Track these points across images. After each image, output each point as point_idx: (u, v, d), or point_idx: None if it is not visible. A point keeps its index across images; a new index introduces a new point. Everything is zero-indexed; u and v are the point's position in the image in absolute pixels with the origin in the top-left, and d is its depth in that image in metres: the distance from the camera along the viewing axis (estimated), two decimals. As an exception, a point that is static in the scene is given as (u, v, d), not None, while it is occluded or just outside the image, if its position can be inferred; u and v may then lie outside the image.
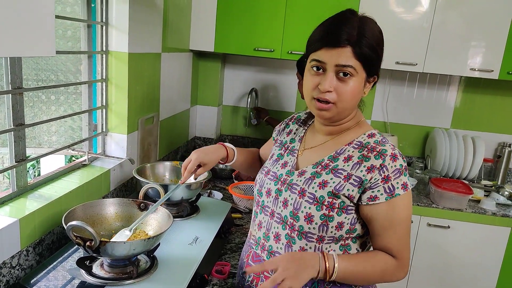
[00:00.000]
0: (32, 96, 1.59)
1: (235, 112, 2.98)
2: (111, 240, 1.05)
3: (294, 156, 1.14)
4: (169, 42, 2.18)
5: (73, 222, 1.00)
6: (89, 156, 1.68)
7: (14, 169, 1.28)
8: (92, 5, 1.66)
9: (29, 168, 3.43)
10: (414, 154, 2.88)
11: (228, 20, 2.44)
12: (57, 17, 1.51)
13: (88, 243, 1.01)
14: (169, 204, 1.56)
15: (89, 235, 1.01)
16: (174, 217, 1.51)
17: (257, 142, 2.97)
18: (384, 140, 1.04)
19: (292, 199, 1.05)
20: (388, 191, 0.98)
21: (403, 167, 1.00)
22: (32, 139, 1.68)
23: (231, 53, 2.54)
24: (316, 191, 1.02)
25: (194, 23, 2.47)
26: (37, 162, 3.31)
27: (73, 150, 1.69)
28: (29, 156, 1.35)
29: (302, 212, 1.02)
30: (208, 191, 1.98)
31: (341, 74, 0.97)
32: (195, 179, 1.29)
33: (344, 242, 1.04)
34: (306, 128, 1.20)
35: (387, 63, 2.42)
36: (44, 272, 1.14)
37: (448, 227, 2.34)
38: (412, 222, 2.33)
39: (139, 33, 1.77)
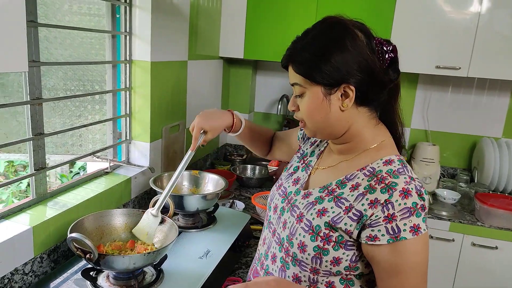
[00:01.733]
0: (61, 105, 1.64)
1: (266, 119, 2.94)
2: (108, 254, 1.04)
3: (307, 174, 1.06)
4: (197, 50, 2.18)
5: (73, 234, 1.00)
6: (111, 164, 1.71)
7: (34, 177, 1.32)
8: (117, 16, 1.69)
9: (76, 173, 3.61)
10: (459, 165, 2.68)
11: (258, 26, 2.41)
12: (83, 29, 1.56)
13: (87, 256, 1.00)
14: (185, 214, 1.54)
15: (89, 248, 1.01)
16: (188, 228, 1.51)
17: (290, 149, 2.90)
18: (401, 171, 0.88)
19: (290, 222, 0.97)
20: (391, 232, 0.83)
21: (418, 207, 0.84)
22: (79, 147, 1.75)
23: (260, 59, 2.50)
24: (313, 219, 0.93)
25: (224, 30, 2.47)
26: (83, 169, 3.47)
27: (97, 157, 1.73)
28: (47, 164, 1.39)
29: (296, 239, 0.94)
30: (231, 200, 1.94)
31: (296, 93, 0.96)
32: (203, 146, 1.22)
33: (346, 276, 0.93)
34: (327, 142, 1.10)
35: (425, 67, 2.29)
36: (51, 282, 1.15)
37: (496, 247, 2.12)
38: (453, 239, 2.16)
39: (162, 42, 1.78)
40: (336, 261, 0.90)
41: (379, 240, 0.84)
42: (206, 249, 1.37)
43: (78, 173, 3.61)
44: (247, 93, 2.79)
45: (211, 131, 1.20)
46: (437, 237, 2.17)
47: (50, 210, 1.30)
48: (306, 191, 1.00)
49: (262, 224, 1.83)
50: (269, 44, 2.41)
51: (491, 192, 2.37)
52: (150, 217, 1.19)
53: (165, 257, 1.20)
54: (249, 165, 2.53)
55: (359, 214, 0.87)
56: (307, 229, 0.93)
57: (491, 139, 2.48)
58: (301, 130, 1.23)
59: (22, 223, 1.19)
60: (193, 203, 1.48)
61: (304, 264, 0.94)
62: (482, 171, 2.47)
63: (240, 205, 1.91)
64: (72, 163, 2.63)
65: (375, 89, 0.91)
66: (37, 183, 1.33)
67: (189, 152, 1.21)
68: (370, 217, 0.85)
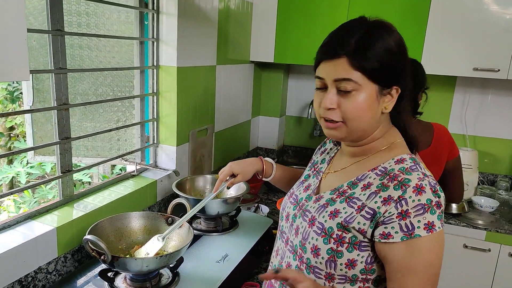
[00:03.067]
0: (92, 110, 1.71)
1: (298, 123, 2.91)
2: (120, 256, 1.07)
3: (318, 179, 1.05)
4: (227, 54, 2.20)
5: (88, 236, 1.04)
6: (138, 167, 1.75)
7: (60, 179, 1.38)
8: (145, 23, 1.74)
9: (120, 171, 3.74)
10: (500, 172, 2.52)
11: (288, 30, 2.40)
12: (112, 36, 1.61)
13: (102, 257, 1.03)
14: (206, 218, 1.56)
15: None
16: (210, 232, 1.51)
17: (321, 154, 2.86)
18: (413, 168, 0.87)
19: (302, 227, 0.96)
20: (405, 229, 0.82)
21: (432, 203, 0.82)
22: (109, 150, 1.82)
23: (291, 63, 2.48)
24: (325, 221, 0.91)
25: (254, 34, 2.47)
26: (124, 169, 3.59)
27: (125, 160, 1.78)
28: (79, 165, 1.45)
29: (309, 243, 0.92)
30: (256, 204, 1.94)
31: (342, 89, 0.87)
32: (228, 188, 1.27)
33: (363, 284, 0.90)
34: (338, 147, 1.09)
35: (463, 70, 2.18)
36: (74, 281, 1.20)
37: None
38: (489, 249, 2.04)
39: (189, 47, 1.81)
40: (351, 264, 0.88)
41: (393, 238, 0.83)
42: (224, 253, 1.37)
43: (120, 173, 3.74)
44: (278, 97, 2.78)
45: (242, 174, 1.23)
46: (472, 247, 2.06)
47: (76, 212, 1.35)
48: (317, 195, 0.99)
49: (286, 229, 1.82)
50: (300, 47, 2.39)
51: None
52: (155, 241, 1.19)
53: (181, 260, 1.21)
54: (277, 169, 2.51)
55: (372, 212, 0.86)
56: (319, 232, 0.91)
57: (536, 145, 2.32)
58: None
59: (47, 224, 1.24)
60: (214, 207, 1.49)
61: (318, 269, 0.92)
62: (526, 179, 2.31)
63: (265, 209, 1.90)
64: (112, 165, 2.73)
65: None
66: (64, 185, 1.39)
67: (211, 194, 1.25)
68: (383, 214, 0.84)
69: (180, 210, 1.50)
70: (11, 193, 1.21)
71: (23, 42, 0.67)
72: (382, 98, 0.89)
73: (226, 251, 1.39)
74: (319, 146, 1.19)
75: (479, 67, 2.11)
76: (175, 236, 1.25)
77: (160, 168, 1.82)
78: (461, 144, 2.54)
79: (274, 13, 2.40)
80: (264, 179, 1.29)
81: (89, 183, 3.71)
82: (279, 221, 1.10)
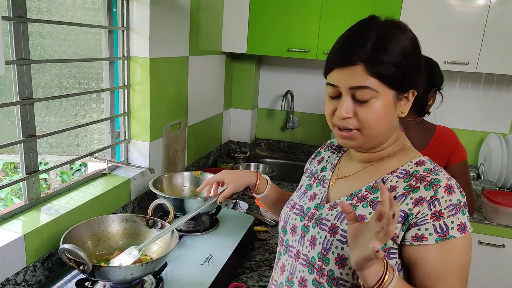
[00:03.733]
0: (56, 104, 1.57)
1: (271, 115, 2.87)
2: (103, 265, 0.98)
3: (325, 187, 0.98)
4: (198, 45, 2.11)
5: (65, 245, 0.94)
6: (110, 165, 1.65)
7: (25, 181, 1.26)
8: (114, 10, 1.62)
9: (77, 169, 3.55)
10: (466, 162, 2.61)
11: (261, 21, 2.33)
12: (78, 24, 1.49)
13: (81, 267, 0.94)
14: (186, 217, 1.48)
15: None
16: (190, 232, 1.45)
17: (294, 146, 2.84)
18: (437, 168, 0.85)
19: (321, 237, 0.89)
20: (439, 230, 0.79)
21: (462, 203, 0.80)
22: (76, 147, 1.68)
23: (264, 54, 2.43)
24: None
25: (226, 24, 2.39)
26: (84, 165, 3.41)
27: (95, 158, 1.66)
28: (46, 163, 1.33)
29: (333, 253, 0.86)
30: (234, 201, 1.88)
31: (358, 98, 0.82)
32: (220, 202, 1.18)
33: None
34: (340, 155, 1.04)
35: (434, 62, 2.21)
36: (46, 291, 1.10)
37: (503, 246, 2.08)
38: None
39: (161, 37, 1.71)
40: None
41: (427, 240, 0.80)
42: (208, 254, 1.31)
43: (79, 169, 3.55)
44: (250, 89, 2.72)
45: (232, 185, 1.14)
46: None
47: (44, 216, 1.24)
48: (330, 203, 0.93)
49: (266, 225, 1.77)
50: (273, 38, 2.33)
51: (498, 189, 2.32)
52: (132, 251, 1.10)
53: (165, 264, 1.14)
54: (252, 163, 2.46)
55: (403, 215, 0.82)
56: (344, 240, 0.85)
57: (499, 135, 2.42)
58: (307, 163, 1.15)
59: (13, 231, 1.12)
60: (194, 207, 1.42)
61: (343, 281, 0.85)
62: (489, 168, 2.41)
63: (243, 205, 1.85)
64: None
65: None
66: (29, 187, 1.27)
67: (208, 201, 1.20)
68: (416, 215, 0.81)
69: (159, 210, 1.42)
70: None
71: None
72: (399, 103, 0.85)
73: (210, 252, 1.33)
74: (312, 156, 1.13)
75: (449, 60, 2.15)
76: (158, 240, 1.18)
77: (133, 166, 1.72)
78: (430, 135, 2.59)
79: (246, 2, 2.33)
80: (254, 195, 1.19)
81: (45, 179, 3.49)
82: (281, 235, 1.01)
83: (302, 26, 2.26)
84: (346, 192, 0.92)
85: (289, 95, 2.68)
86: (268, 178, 1.19)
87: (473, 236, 2.04)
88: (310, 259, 0.90)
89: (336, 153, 1.05)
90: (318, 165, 1.07)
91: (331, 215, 0.90)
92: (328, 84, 0.86)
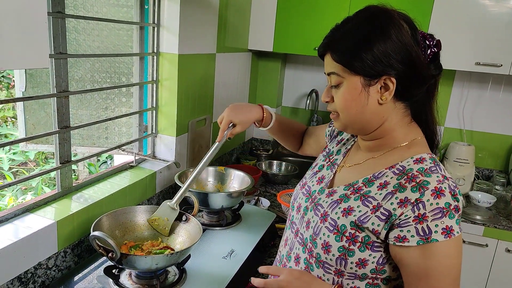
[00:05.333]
0: (88, 97, 1.63)
1: (294, 114, 2.87)
2: (130, 254, 1.02)
3: (332, 172, 1.02)
4: (226, 42, 2.13)
5: (95, 233, 0.98)
6: (137, 158, 1.69)
7: (59, 170, 1.31)
8: (146, 7, 1.66)
9: (103, 162, 3.66)
10: (495, 167, 2.54)
11: (288, 19, 2.34)
12: (111, 20, 1.54)
13: (110, 255, 0.98)
14: (209, 212, 1.51)
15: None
16: (213, 226, 1.47)
17: (317, 145, 2.83)
18: (433, 169, 0.83)
19: (313, 221, 0.93)
20: (421, 233, 0.79)
21: (451, 207, 0.79)
22: (105, 140, 1.74)
23: (290, 52, 2.44)
24: (338, 218, 0.88)
25: (253, 22, 2.41)
26: (110, 158, 3.51)
27: (123, 151, 1.71)
28: (75, 155, 1.38)
29: (320, 239, 0.90)
30: (256, 197, 1.90)
31: (333, 83, 0.90)
32: (230, 139, 1.22)
33: (372, 281, 0.88)
34: (354, 140, 1.06)
35: (464, 64, 2.17)
36: (76, 277, 1.15)
37: (532, 254, 2.03)
38: (487, 246, 2.06)
39: (190, 34, 1.74)
40: (362, 263, 0.86)
41: (408, 241, 0.80)
42: (230, 249, 1.33)
43: (106, 161, 3.66)
44: (275, 86, 2.73)
45: (240, 124, 1.19)
46: (469, 242, 2.07)
47: (75, 204, 1.29)
48: (330, 189, 0.96)
49: (287, 223, 1.79)
50: (300, 37, 2.34)
51: (530, 196, 2.25)
52: (167, 208, 1.16)
53: (189, 256, 1.17)
54: (275, 161, 2.47)
55: (387, 214, 0.83)
56: (331, 228, 0.89)
57: (532, 141, 2.34)
58: (329, 127, 1.20)
59: (46, 217, 1.18)
60: (218, 201, 1.45)
61: (328, 265, 0.90)
62: (520, 174, 2.34)
63: (265, 202, 1.87)
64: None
65: (415, 83, 0.86)
66: (63, 176, 1.32)
67: (215, 144, 1.20)
68: (399, 216, 0.81)
69: (183, 203, 1.45)
70: (9, 185, 1.14)
71: (43, 26, 0.61)
72: (370, 89, 0.85)
73: (232, 247, 1.35)
74: (335, 134, 1.15)
75: (481, 61, 2.10)
76: (182, 232, 1.21)
77: (159, 159, 1.76)
78: (458, 138, 2.55)
79: (274, 1, 2.34)
80: (261, 128, 1.26)
81: (74, 170, 3.61)
82: (290, 210, 1.08)
83: (329, 24, 2.22)
84: (346, 181, 0.95)
85: (313, 94, 2.68)
86: (274, 111, 1.26)
87: (501, 244, 2.02)
88: (304, 239, 0.95)
89: (353, 137, 1.07)
90: (336, 146, 1.10)
91: (326, 202, 0.93)
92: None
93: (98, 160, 3.67)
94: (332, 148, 1.10)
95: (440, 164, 0.87)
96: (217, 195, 1.44)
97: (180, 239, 1.21)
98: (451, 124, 2.55)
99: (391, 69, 0.83)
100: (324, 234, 0.89)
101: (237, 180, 1.63)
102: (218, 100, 2.15)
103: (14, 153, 3.43)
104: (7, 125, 3.55)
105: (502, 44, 2.06)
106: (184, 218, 1.24)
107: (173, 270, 1.18)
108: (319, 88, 2.72)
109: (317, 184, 1.02)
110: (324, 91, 0.93)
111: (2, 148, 3.21)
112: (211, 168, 1.66)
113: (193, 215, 1.24)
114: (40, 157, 3.60)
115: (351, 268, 0.87)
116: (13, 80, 3.15)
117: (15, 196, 3.16)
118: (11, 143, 1.13)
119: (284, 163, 2.46)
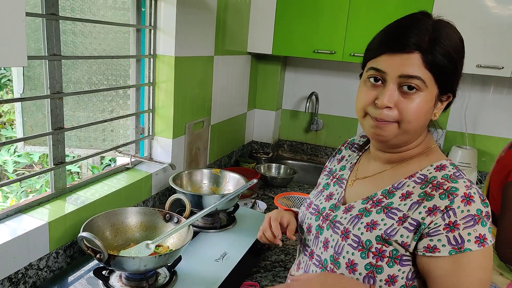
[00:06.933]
0: (85, 99, 1.64)
1: (295, 117, 2.86)
2: (118, 255, 1.01)
3: (342, 188, 0.96)
4: (224, 45, 2.14)
5: (83, 234, 0.98)
6: (133, 160, 1.69)
7: (53, 171, 1.31)
8: (142, 9, 1.67)
9: (107, 164, 3.68)
10: (497, 170, 2.51)
11: (287, 21, 2.34)
12: (108, 23, 1.54)
13: (98, 256, 0.98)
14: (204, 214, 1.51)
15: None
16: (207, 228, 1.47)
17: (317, 148, 2.82)
18: (458, 175, 0.81)
19: (333, 240, 0.89)
20: (453, 242, 0.75)
21: (483, 214, 0.75)
22: (102, 141, 1.75)
23: (289, 55, 2.43)
24: (362, 234, 0.84)
25: (252, 25, 2.41)
26: (114, 160, 3.53)
27: (119, 152, 1.72)
28: (73, 156, 1.38)
29: (344, 257, 0.85)
30: (253, 200, 1.89)
31: (405, 88, 0.78)
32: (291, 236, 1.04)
33: None
34: (360, 154, 1.02)
35: (466, 66, 2.13)
36: (65, 278, 1.14)
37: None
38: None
39: (187, 36, 1.74)
40: (392, 280, 0.81)
41: (439, 251, 0.76)
42: (223, 251, 1.33)
43: (109, 164, 3.67)
44: (274, 89, 2.73)
45: (291, 220, 1.04)
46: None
47: (68, 206, 1.29)
48: (346, 205, 0.92)
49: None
50: (299, 39, 2.33)
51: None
52: (142, 247, 1.12)
53: (179, 258, 1.16)
54: (274, 164, 2.47)
55: (416, 224, 0.79)
56: (355, 245, 0.84)
57: (535, 144, 2.30)
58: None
59: (39, 218, 1.18)
60: (212, 203, 1.44)
61: None
62: (523, 178, 2.30)
63: (262, 205, 1.86)
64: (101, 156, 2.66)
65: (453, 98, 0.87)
66: (57, 178, 1.33)
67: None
68: (428, 225, 0.77)
69: (177, 205, 1.45)
70: (2, 185, 1.15)
71: (21, 25, 0.61)
72: (437, 104, 0.83)
73: (225, 249, 1.34)
74: (333, 154, 1.13)
75: (482, 64, 2.08)
76: (173, 234, 1.20)
77: (155, 161, 1.76)
78: (460, 142, 2.52)
79: (273, 3, 2.34)
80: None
81: (78, 173, 3.64)
82: (300, 233, 1.03)
83: (328, 27, 2.24)
84: (362, 194, 0.90)
85: (313, 97, 2.67)
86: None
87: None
88: (322, 260, 0.90)
89: (356, 151, 1.03)
90: (338, 164, 1.05)
91: (345, 218, 0.89)
92: (373, 68, 0.82)
93: (102, 163, 3.69)
94: (334, 166, 1.06)
95: (461, 170, 0.85)
96: (210, 197, 1.44)
97: (171, 241, 1.20)
98: (453, 127, 2.53)
99: (456, 88, 0.84)
100: (348, 252, 0.85)
101: (232, 182, 1.62)
102: (217, 102, 2.15)
103: (19, 156, 3.45)
104: (12, 128, 3.58)
105: (503, 46, 2.04)
106: (175, 219, 1.24)
107: (163, 272, 1.18)
108: (319, 90, 2.71)
109: (325, 201, 0.97)
110: (385, 93, 0.79)
111: (7, 151, 3.24)
112: (206, 171, 1.66)
113: (184, 217, 1.23)
114: (45, 159, 3.62)
115: (380, 286, 0.82)
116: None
117: (18, 198, 3.18)
118: (3, 143, 1.14)
119: (283, 166, 2.46)
